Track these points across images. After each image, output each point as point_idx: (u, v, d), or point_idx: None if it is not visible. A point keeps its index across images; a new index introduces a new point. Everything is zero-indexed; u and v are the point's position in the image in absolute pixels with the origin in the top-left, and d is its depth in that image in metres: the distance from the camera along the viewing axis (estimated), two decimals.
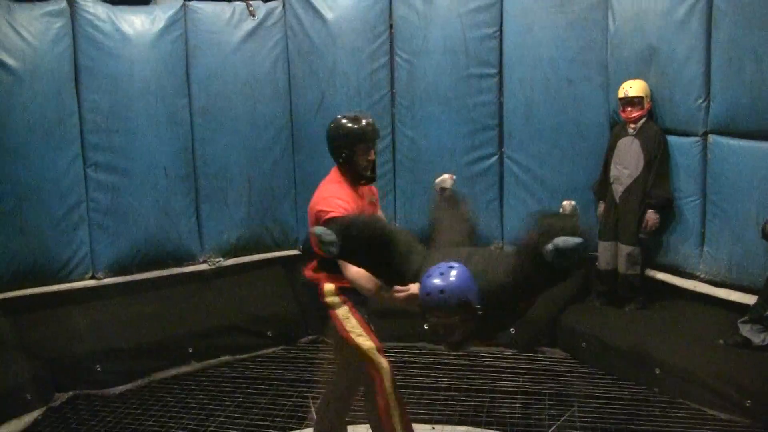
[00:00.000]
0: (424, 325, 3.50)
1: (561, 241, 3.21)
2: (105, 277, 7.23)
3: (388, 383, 4.50)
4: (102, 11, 7.07)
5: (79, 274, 7.12)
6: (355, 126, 4.57)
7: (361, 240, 3.74)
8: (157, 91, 7.32)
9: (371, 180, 4.68)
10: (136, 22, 7.21)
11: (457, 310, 3.33)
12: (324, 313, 4.67)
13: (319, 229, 3.70)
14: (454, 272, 3.36)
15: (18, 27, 6.68)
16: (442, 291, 3.31)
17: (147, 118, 7.29)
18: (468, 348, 3.92)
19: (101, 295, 7.18)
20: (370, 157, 4.60)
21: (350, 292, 4.48)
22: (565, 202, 4.39)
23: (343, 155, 4.57)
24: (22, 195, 6.76)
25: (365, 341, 4.49)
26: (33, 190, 6.80)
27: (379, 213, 4.93)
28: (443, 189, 4.96)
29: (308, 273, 4.75)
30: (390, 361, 4.55)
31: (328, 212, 4.39)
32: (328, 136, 4.62)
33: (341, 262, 4.27)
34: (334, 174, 4.64)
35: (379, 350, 4.50)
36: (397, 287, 3.64)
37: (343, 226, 3.77)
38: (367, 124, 4.59)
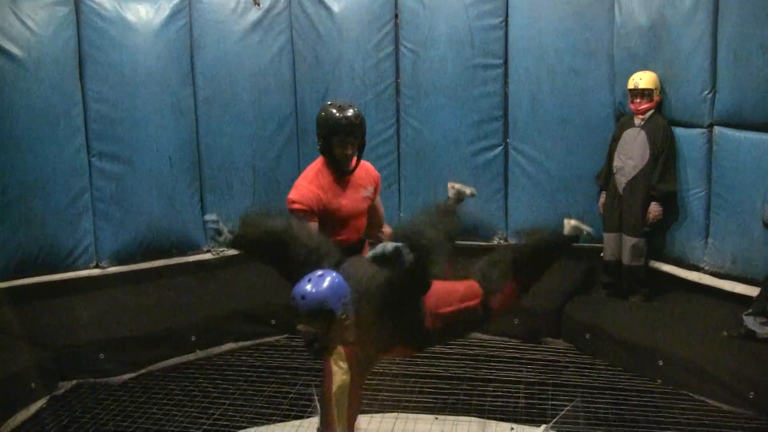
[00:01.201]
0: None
1: (378, 248, 3.35)
2: (109, 266, 7.27)
3: (333, 389, 4.37)
4: (106, 0, 7.07)
5: (83, 263, 7.17)
6: (332, 117, 4.49)
7: (258, 237, 3.74)
8: (161, 81, 7.34)
9: (345, 173, 4.61)
10: (141, 11, 7.23)
11: (316, 316, 3.33)
12: None
13: (209, 216, 3.75)
14: (327, 279, 3.37)
15: (22, 16, 6.70)
16: (303, 297, 3.32)
17: (151, 108, 7.31)
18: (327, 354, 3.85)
19: (105, 284, 7.23)
20: (346, 151, 4.53)
21: None
22: (566, 221, 4.33)
23: (320, 144, 4.55)
24: (27, 184, 6.79)
25: None
26: (37, 180, 6.83)
27: (376, 202, 4.89)
28: (459, 197, 4.96)
29: None
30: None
31: (292, 201, 4.45)
32: (316, 118, 4.60)
33: None
34: (318, 162, 4.63)
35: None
36: None
37: (243, 222, 3.80)
38: (345, 117, 4.48)
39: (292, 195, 4.49)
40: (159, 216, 7.42)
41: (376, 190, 4.85)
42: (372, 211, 4.87)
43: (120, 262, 7.33)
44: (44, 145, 6.82)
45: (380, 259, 3.41)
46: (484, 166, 7.76)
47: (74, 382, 6.02)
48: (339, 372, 4.32)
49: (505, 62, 7.65)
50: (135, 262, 7.40)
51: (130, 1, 7.20)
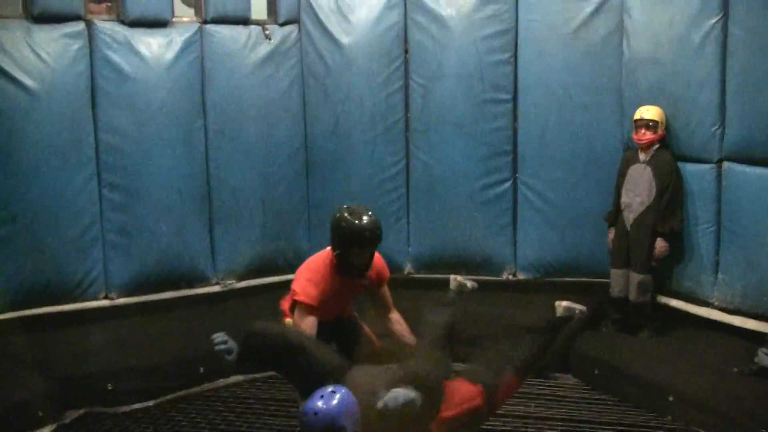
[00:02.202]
0: None
1: (390, 398, 3.43)
2: (118, 297, 7.26)
3: None
4: (119, 33, 7.13)
5: (92, 293, 7.16)
6: (354, 229, 4.47)
7: (265, 351, 3.78)
8: (172, 113, 7.37)
9: (358, 277, 4.64)
10: (153, 45, 7.27)
11: None
12: None
13: (217, 337, 3.77)
14: (337, 396, 3.41)
15: (36, 48, 6.75)
16: (315, 413, 3.36)
17: (162, 140, 7.34)
18: None
19: (114, 314, 7.21)
20: (365, 260, 4.56)
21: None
22: (557, 303, 4.36)
23: (336, 252, 4.55)
24: (37, 214, 6.81)
25: None
26: (47, 210, 6.85)
27: (384, 291, 4.91)
28: (461, 290, 5.00)
29: (283, 305, 4.77)
30: None
31: (297, 293, 4.53)
32: (331, 226, 4.58)
33: (296, 319, 4.33)
34: (326, 255, 4.64)
35: None
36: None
37: (247, 336, 3.81)
38: (368, 229, 4.48)
39: (299, 289, 4.55)
40: (168, 248, 7.42)
41: (381, 283, 4.84)
42: (379, 301, 4.89)
43: (129, 294, 7.32)
44: (55, 176, 6.85)
45: (389, 411, 3.46)
46: (493, 201, 7.76)
47: (81, 411, 6.01)
48: None
49: (514, 97, 7.68)
50: (144, 293, 7.39)
51: (143, 34, 7.25)
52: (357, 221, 4.47)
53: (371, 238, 4.49)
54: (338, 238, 4.49)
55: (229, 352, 3.70)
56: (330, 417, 3.34)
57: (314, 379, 3.59)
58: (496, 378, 4.02)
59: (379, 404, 3.41)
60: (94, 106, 7.06)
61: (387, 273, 4.96)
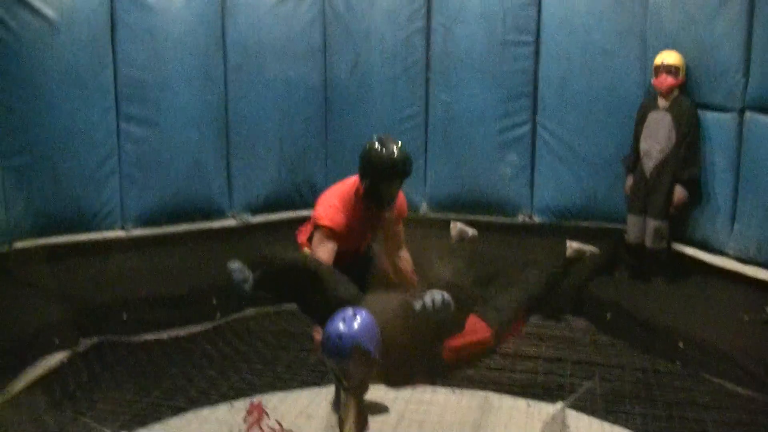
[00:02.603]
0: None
1: (429, 299, 3.42)
2: (134, 229, 7.31)
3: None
4: None
5: (108, 224, 7.24)
6: (387, 161, 4.44)
7: (280, 278, 3.75)
8: (192, 47, 7.37)
9: (383, 209, 4.61)
10: None
11: (352, 356, 3.38)
12: None
13: (233, 265, 3.73)
14: (358, 319, 3.40)
15: None
16: (339, 337, 3.36)
17: (181, 73, 7.34)
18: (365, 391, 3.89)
19: (130, 246, 7.28)
20: (391, 192, 4.54)
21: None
22: (568, 243, 4.36)
23: (366, 181, 4.52)
24: (55, 144, 6.85)
25: None
26: (66, 140, 6.89)
27: (398, 228, 4.90)
28: (462, 237, 5.00)
29: (301, 238, 4.77)
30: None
31: (320, 218, 4.49)
32: (361, 155, 4.52)
33: (314, 246, 4.32)
34: (352, 184, 4.60)
35: None
36: (317, 328, 3.67)
37: (261, 262, 3.78)
38: (401, 161, 4.45)
39: (323, 213, 4.51)
40: (185, 181, 7.46)
41: (399, 216, 4.83)
42: (393, 236, 4.87)
43: (145, 225, 7.39)
44: (73, 106, 6.86)
45: (427, 312, 3.43)
46: (511, 143, 7.74)
47: (96, 339, 6.07)
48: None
49: (537, 40, 7.62)
50: (159, 225, 7.45)
51: None
52: (390, 153, 4.44)
53: (403, 170, 4.48)
54: (369, 168, 4.47)
55: (245, 281, 3.69)
56: (354, 340, 3.35)
57: (330, 308, 3.59)
58: (504, 315, 4.05)
59: (417, 304, 3.38)
60: (113, 37, 7.05)
61: (406, 209, 4.96)
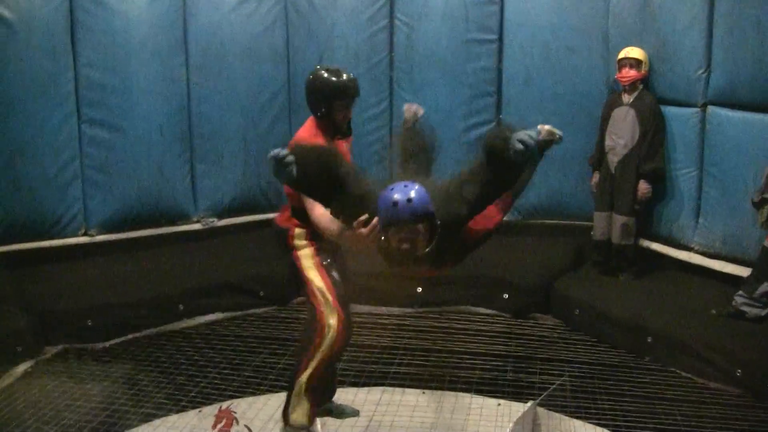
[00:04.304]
0: (383, 247, 3.45)
1: (526, 136, 3.21)
2: (98, 234, 7.23)
3: (323, 340, 4.43)
4: None
5: (71, 230, 7.13)
6: (337, 81, 4.44)
7: (319, 165, 3.65)
8: (153, 49, 7.29)
9: (346, 135, 4.60)
10: None
11: (421, 220, 3.32)
12: (289, 257, 4.59)
13: (277, 150, 3.53)
14: (414, 187, 3.35)
15: None
16: (409, 200, 3.28)
17: (143, 76, 7.26)
18: (420, 270, 3.83)
19: (93, 251, 7.20)
20: (348, 115, 4.54)
21: (319, 239, 4.45)
22: (539, 127, 4.30)
23: (322, 109, 4.51)
24: (16, 149, 6.75)
25: (318, 279, 4.47)
26: (27, 145, 6.78)
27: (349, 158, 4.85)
28: (406, 121, 4.94)
29: (280, 219, 4.70)
30: (344, 320, 4.47)
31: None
32: (307, 88, 4.50)
33: (308, 205, 4.24)
34: (309, 124, 4.55)
35: (332, 296, 4.45)
36: (358, 222, 3.60)
37: (303, 150, 3.68)
38: (349, 80, 4.47)
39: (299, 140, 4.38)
40: (149, 185, 7.37)
41: (348, 154, 4.80)
42: None
43: (108, 231, 7.29)
44: (34, 111, 6.76)
45: (524, 151, 3.28)
46: (477, 142, 7.72)
47: (60, 347, 5.99)
48: (329, 323, 4.41)
49: (500, 38, 7.63)
50: (124, 230, 7.36)
51: None
52: (339, 74, 4.45)
53: (354, 88, 4.49)
54: (322, 95, 4.44)
55: (290, 164, 3.56)
56: (423, 202, 3.31)
57: (364, 204, 3.51)
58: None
59: (516, 141, 3.19)
60: (73, 40, 6.95)
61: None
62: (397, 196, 3.30)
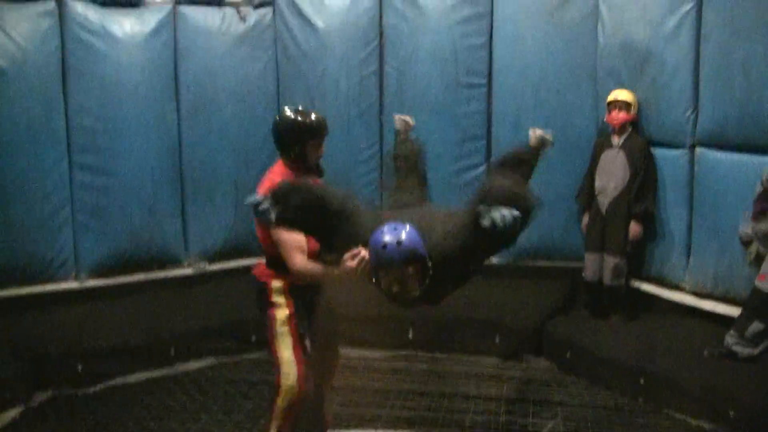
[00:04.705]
0: (375, 285, 3.47)
1: (498, 216, 3.24)
2: (88, 279, 7.20)
3: (282, 402, 4.47)
4: (91, 13, 7.05)
5: (62, 275, 7.09)
6: (309, 121, 4.50)
7: (298, 202, 3.64)
8: (145, 93, 7.31)
9: (320, 174, 4.59)
10: (126, 25, 7.20)
11: (410, 263, 3.33)
12: (263, 316, 4.58)
13: (253, 197, 3.57)
14: (405, 229, 3.37)
15: (6, 26, 6.67)
16: (399, 243, 3.30)
17: (134, 120, 7.27)
18: (417, 306, 3.86)
19: (84, 296, 7.16)
20: (320, 153, 4.57)
21: (298, 294, 4.46)
22: (531, 131, 4.34)
23: (295, 150, 4.52)
24: (6, 194, 6.75)
25: (287, 352, 4.48)
26: (17, 189, 6.78)
27: None
28: (398, 132, 5.01)
29: (257, 271, 4.69)
30: (304, 389, 4.49)
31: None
32: (277, 131, 4.55)
33: (285, 254, 4.24)
34: (279, 167, 4.56)
35: (298, 364, 4.46)
36: (347, 255, 3.60)
37: (278, 191, 3.68)
38: (319, 119, 4.54)
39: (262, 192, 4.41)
40: (140, 229, 7.36)
41: None
42: None
43: (99, 275, 7.26)
44: (26, 156, 6.77)
45: (496, 229, 3.30)
46: (467, 185, 7.74)
47: (50, 392, 5.96)
48: (287, 384, 4.45)
49: (489, 81, 7.67)
50: (114, 275, 7.33)
51: (115, 13, 7.17)
52: (308, 114, 4.53)
53: (325, 126, 4.56)
54: (294, 135, 4.48)
55: (269, 211, 3.56)
56: (413, 245, 3.32)
57: (354, 235, 3.55)
58: None
59: (485, 221, 3.25)
60: (65, 86, 6.97)
61: None
62: (387, 239, 3.32)
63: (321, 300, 4.67)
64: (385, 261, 3.34)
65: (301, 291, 4.49)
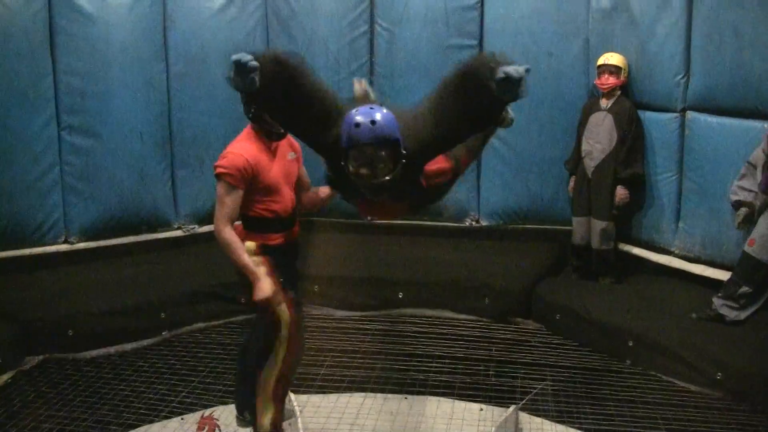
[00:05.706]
0: (344, 169, 3.30)
1: (512, 69, 3.09)
2: (78, 242, 7.19)
3: (285, 331, 4.39)
4: None
5: (51, 238, 7.08)
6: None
7: (286, 77, 3.35)
8: (133, 55, 7.26)
9: (281, 136, 4.46)
10: None
11: (383, 145, 3.21)
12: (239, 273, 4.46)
13: (240, 55, 3.23)
14: (381, 111, 3.25)
15: None
16: (373, 122, 3.18)
17: (123, 82, 7.23)
18: (384, 197, 3.54)
19: (74, 259, 7.16)
20: None
21: (271, 251, 4.41)
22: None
23: (251, 112, 4.38)
24: None
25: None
26: (6, 152, 6.74)
27: (302, 171, 4.81)
28: (355, 99, 4.82)
29: (236, 231, 4.65)
30: (296, 316, 4.43)
31: (220, 167, 4.29)
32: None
33: (217, 214, 4.25)
34: (245, 131, 4.48)
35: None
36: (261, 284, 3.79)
37: (270, 58, 3.34)
38: None
39: (221, 162, 4.31)
40: (129, 192, 7.34)
41: (298, 158, 4.74)
42: (300, 179, 4.78)
43: (89, 238, 7.25)
44: (13, 118, 6.71)
45: (507, 82, 3.10)
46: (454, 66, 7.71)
47: (41, 357, 5.96)
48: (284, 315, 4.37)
49: (480, 43, 7.62)
50: (104, 238, 7.32)
51: None
52: None
53: None
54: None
55: (254, 69, 3.34)
56: (387, 126, 3.19)
57: (326, 120, 3.36)
58: (458, 153, 3.87)
59: (500, 73, 3.06)
60: (53, 47, 6.90)
61: (298, 144, 4.78)
62: (359, 118, 3.19)
63: (292, 262, 4.63)
64: (355, 140, 3.21)
65: (273, 251, 4.43)
